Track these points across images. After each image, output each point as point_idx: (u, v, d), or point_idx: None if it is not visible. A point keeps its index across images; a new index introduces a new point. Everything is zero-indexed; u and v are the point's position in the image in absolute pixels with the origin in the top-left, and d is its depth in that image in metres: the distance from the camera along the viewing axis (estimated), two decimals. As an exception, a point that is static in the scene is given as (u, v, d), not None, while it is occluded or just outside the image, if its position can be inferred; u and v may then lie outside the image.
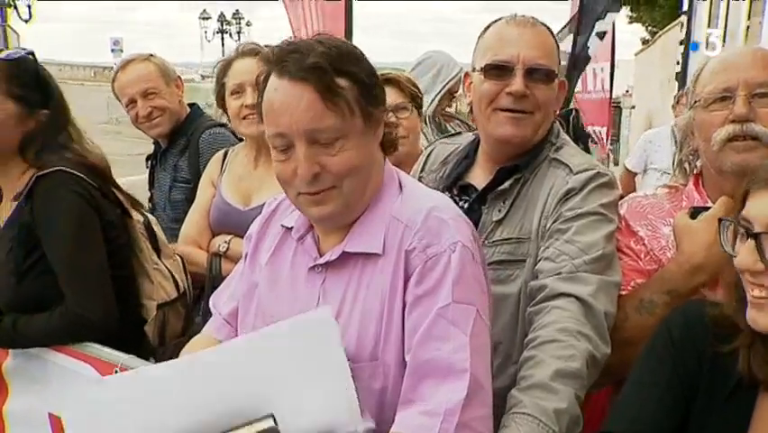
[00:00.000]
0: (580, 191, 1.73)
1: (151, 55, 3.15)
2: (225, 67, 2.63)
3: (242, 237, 2.46)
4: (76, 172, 2.09)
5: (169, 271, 2.38)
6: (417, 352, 1.35)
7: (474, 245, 1.45)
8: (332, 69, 1.37)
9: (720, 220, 1.30)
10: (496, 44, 1.85)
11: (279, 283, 1.57)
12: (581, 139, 3.96)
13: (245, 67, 2.56)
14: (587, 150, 3.96)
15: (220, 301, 1.78)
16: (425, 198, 1.52)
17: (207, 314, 2.48)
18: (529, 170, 1.85)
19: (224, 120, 2.91)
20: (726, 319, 1.29)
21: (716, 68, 1.66)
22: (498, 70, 1.82)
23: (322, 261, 1.50)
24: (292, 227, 1.59)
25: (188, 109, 3.21)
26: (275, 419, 1.31)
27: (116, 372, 1.85)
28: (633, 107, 19.69)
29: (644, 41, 25.71)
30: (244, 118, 2.56)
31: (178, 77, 3.19)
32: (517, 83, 1.79)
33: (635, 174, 5.95)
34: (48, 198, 2.04)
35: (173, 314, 2.38)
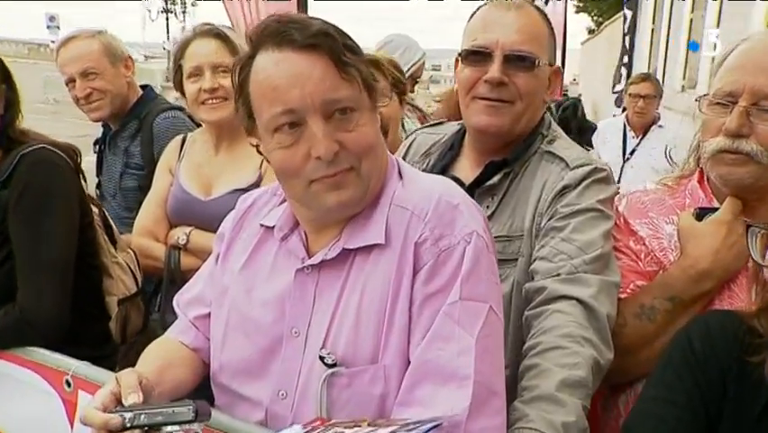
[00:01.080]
0: (576, 187, 1.63)
1: (100, 32, 2.92)
2: (182, 48, 2.43)
3: (203, 229, 2.35)
4: (59, 152, 1.91)
5: (126, 264, 2.22)
6: (420, 352, 1.24)
7: (488, 234, 1.33)
8: (339, 37, 1.26)
9: (749, 226, 1.20)
10: (478, 28, 1.75)
11: (259, 288, 1.42)
12: (585, 133, 3.75)
13: (203, 48, 2.38)
14: (590, 144, 3.73)
15: (184, 301, 1.62)
16: (430, 183, 1.40)
17: (166, 310, 2.35)
18: (519, 163, 1.74)
19: (181, 103, 2.72)
20: (755, 328, 1.20)
21: (732, 63, 1.55)
22: (476, 56, 1.72)
23: (315, 260, 1.35)
24: (273, 226, 1.44)
25: (140, 91, 3.00)
26: (197, 412, 1.18)
27: (67, 381, 1.67)
28: (579, 96, 20.04)
29: (590, 31, 26.12)
30: (203, 103, 2.37)
31: (129, 57, 2.97)
32: (493, 70, 1.69)
33: None
34: (30, 177, 1.85)
35: (134, 309, 2.24)
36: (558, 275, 1.52)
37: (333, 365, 1.29)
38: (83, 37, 2.86)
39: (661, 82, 5.88)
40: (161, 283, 2.41)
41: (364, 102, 1.30)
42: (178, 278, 2.31)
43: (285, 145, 1.27)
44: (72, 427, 1.68)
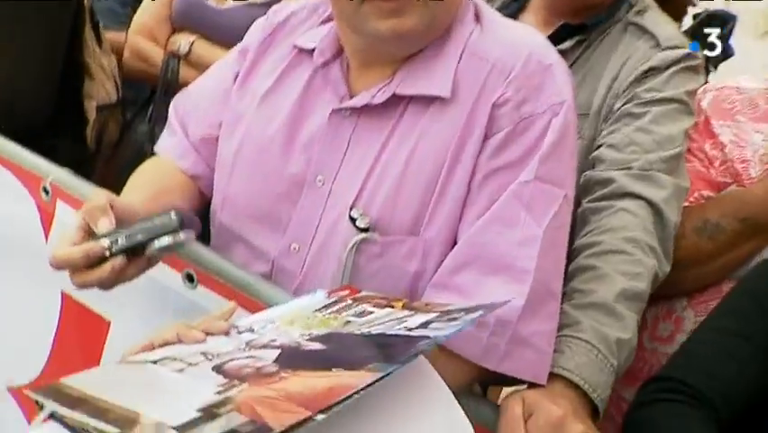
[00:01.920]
0: (665, 71, 1.40)
1: None
2: None
3: (209, 40, 2.07)
4: None
5: (111, 70, 1.99)
6: (473, 232, 1.06)
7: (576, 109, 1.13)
8: None
9: None
10: None
11: (283, 122, 1.20)
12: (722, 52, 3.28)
13: None
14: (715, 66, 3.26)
15: (184, 114, 1.38)
16: (518, 33, 1.16)
17: (157, 122, 2.11)
18: (597, 31, 1.49)
19: None
20: None
21: None
22: None
23: (358, 103, 1.12)
24: (313, 49, 1.19)
25: None
26: (182, 218, 1.04)
27: (45, 189, 1.46)
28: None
29: None
30: None
31: None
32: None
33: None
34: None
35: (112, 120, 2.03)
36: (629, 168, 1.32)
37: (366, 230, 1.10)
38: None
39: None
40: (154, 93, 2.15)
41: None
42: (175, 90, 2.06)
43: None
44: (47, 238, 1.50)
